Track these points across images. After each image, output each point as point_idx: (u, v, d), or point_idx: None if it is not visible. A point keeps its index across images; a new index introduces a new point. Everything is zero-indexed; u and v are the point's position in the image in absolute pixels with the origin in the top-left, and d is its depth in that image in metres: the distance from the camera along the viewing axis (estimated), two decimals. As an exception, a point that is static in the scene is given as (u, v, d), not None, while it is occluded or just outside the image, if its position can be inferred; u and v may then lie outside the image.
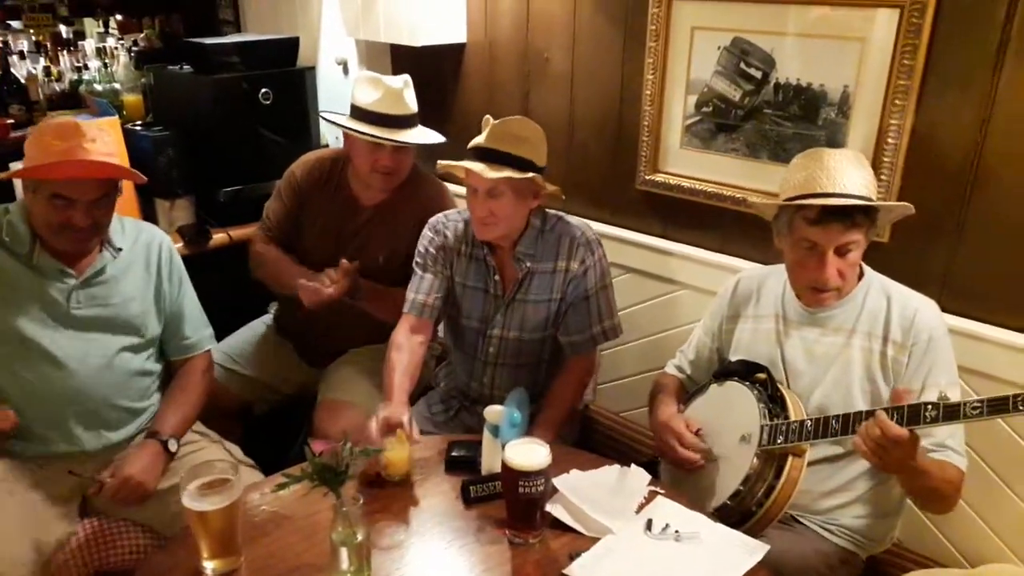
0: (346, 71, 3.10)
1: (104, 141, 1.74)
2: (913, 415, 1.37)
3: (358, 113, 2.13)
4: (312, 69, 2.87)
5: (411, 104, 2.17)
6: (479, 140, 1.86)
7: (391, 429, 1.64)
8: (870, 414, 1.43)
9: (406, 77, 2.19)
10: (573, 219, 2.01)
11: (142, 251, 1.92)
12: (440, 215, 2.07)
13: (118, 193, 1.82)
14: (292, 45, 2.86)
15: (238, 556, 1.36)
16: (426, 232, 2.04)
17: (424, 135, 2.19)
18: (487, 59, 2.67)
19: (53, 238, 1.76)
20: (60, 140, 1.69)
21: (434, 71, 2.82)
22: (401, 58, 2.91)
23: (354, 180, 2.25)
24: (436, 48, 2.67)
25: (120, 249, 1.87)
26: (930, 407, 1.36)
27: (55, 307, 1.78)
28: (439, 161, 1.97)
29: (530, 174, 1.82)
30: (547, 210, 2.00)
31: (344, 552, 1.28)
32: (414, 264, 2.05)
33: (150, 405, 1.93)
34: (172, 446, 1.83)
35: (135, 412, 1.89)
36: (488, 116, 1.91)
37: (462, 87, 2.79)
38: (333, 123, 2.17)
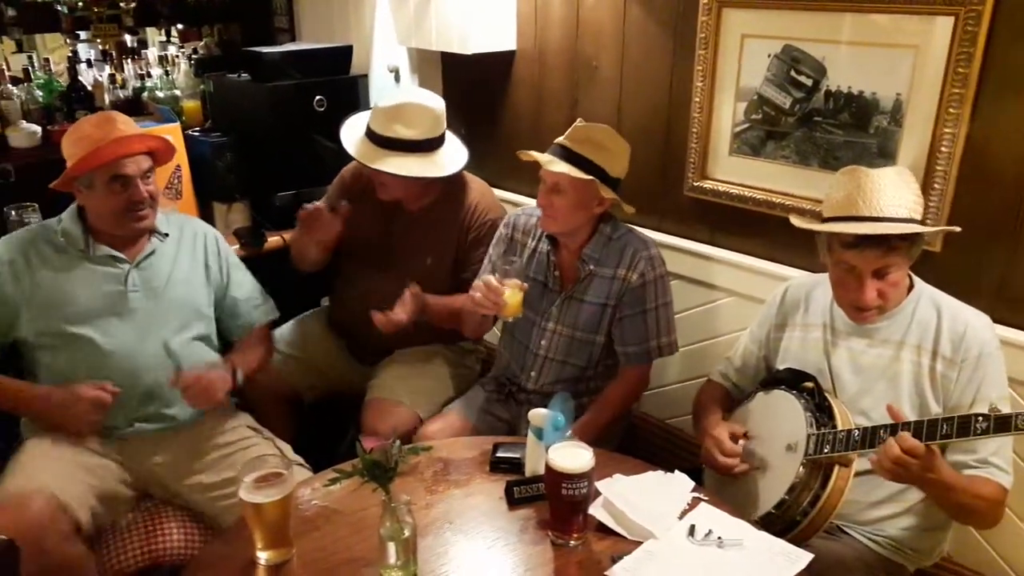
0: (397, 79, 3.16)
1: (128, 123, 1.93)
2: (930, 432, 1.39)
3: (366, 130, 2.20)
4: (365, 77, 2.94)
5: (400, 132, 2.12)
6: (561, 138, 1.96)
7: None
8: (919, 425, 1.42)
9: (425, 104, 2.17)
10: (643, 234, 2.06)
11: (189, 239, 2.07)
12: (517, 209, 2.20)
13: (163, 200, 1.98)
14: (345, 53, 2.93)
15: (290, 548, 1.41)
16: (500, 226, 2.19)
17: (401, 166, 2.12)
18: (537, 66, 2.70)
19: (118, 225, 1.91)
20: (97, 128, 1.86)
21: (484, 79, 2.86)
22: (452, 66, 2.96)
23: None
24: (486, 56, 2.70)
25: (167, 235, 2.01)
26: (944, 424, 1.38)
27: (113, 294, 1.91)
28: (520, 151, 2.01)
29: (588, 177, 1.87)
30: (618, 221, 2.06)
31: (392, 547, 1.31)
32: (487, 254, 2.20)
33: None
34: (239, 377, 1.97)
35: None
36: (580, 119, 2.01)
37: (511, 94, 2.82)
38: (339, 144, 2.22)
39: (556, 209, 1.94)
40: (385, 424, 2.09)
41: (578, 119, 2.01)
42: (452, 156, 2.23)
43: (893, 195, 1.53)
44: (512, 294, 1.89)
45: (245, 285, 2.15)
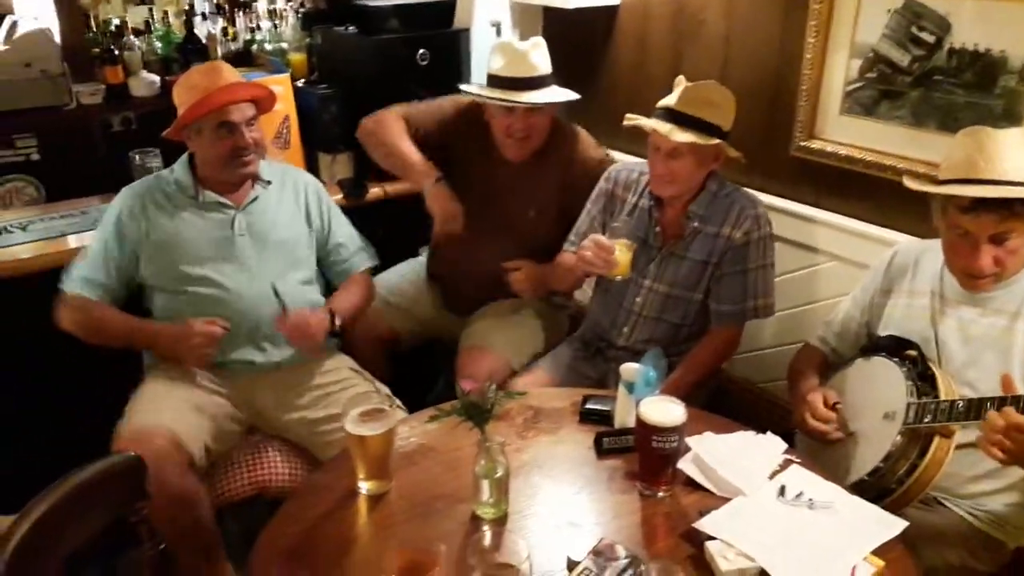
0: (499, 33, 3.16)
1: (233, 72, 2.02)
2: None
3: (490, 80, 2.20)
4: (467, 31, 2.95)
5: (539, 65, 2.18)
6: (669, 101, 1.92)
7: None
8: (1029, 399, 1.36)
9: (536, 39, 2.21)
10: (750, 192, 2.03)
11: (290, 186, 2.16)
12: (619, 164, 2.17)
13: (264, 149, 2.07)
14: (449, 8, 2.95)
15: (389, 480, 1.48)
16: (600, 181, 2.16)
17: (554, 94, 2.20)
18: (640, 20, 2.65)
19: (224, 170, 2.01)
20: (205, 77, 1.96)
21: (586, 33, 2.83)
22: (553, 20, 2.94)
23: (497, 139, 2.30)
24: (589, 10, 2.67)
25: (269, 182, 2.11)
26: None
27: (221, 237, 2.02)
28: (627, 116, 2.00)
29: (715, 140, 1.86)
30: (724, 178, 2.03)
31: (486, 484, 1.36)
32: (585, 209, 2.19)
33: None
34: (337, 321, 2.05)
35: None
36: (681, 77, 1.96)
37: (613, 49, 2.78)
38: (468, 92, 2.24)
39: (676, 174, 1.92)
40: (479, 370, 2.14)
41: (679, 77, 1.96)
42: (563, 89, 2.26)
43: (1018, 157, 1.45)
44: (622, 253, 1.89)
45: (345, 232, 2.23)
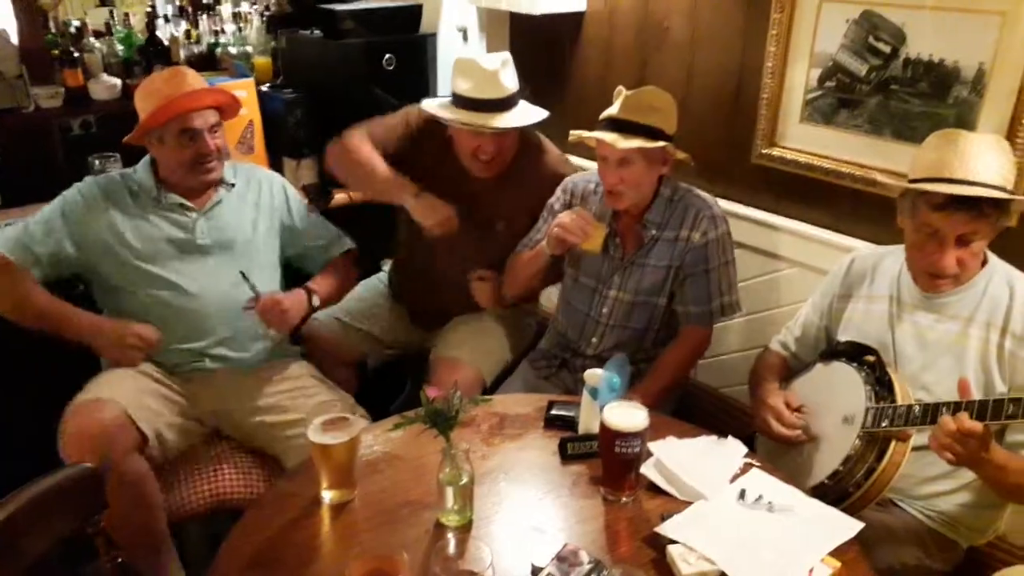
0: (466, 38, 3.17)
1: (197, 78, 2.00)
2: (995, 411, 1.36)
3: (456, 100, 2.13)
4: (433, 36, 2.96)
5: (508, 85, 2.12)
6: (611, 111, 1.92)
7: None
8: (984, 404, 1.39)
9: (504, 56, 2.16)
10: (702, 193, 2.05)
11: (255, 186, 2.15)
12: (575, 175, 2.17)
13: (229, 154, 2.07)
14: (415, 12, 2.95)
15: (353, 489, 1.47)
16: (557, 191, 2.17)
17: (524, 116, 2.14)
18: (606, 27, 2.68)
19: (187, 176, 1.99)
20: (167, 83, 1.95)
21: (552, 40, 2.85)
22: (520, 26, 2.95)
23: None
24: (555, 16, 2.69)
25: (233, 185, 2.10)
26: (1010, 404, 1.35)
27: (183, 240, 2.00)
28: (571, 131, 2.01)
29: (661, 143, 1.87)
30: (679, 182, 2.05)
31: (450, 492, 1.36)
32: (541, 217, 2.19)
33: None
34: (315, 301, 2.09)
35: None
36: (620, 87, 1.96)
37: (579, 56, 2.80)
38: (432, 115, 2.15)
39: (628, 183, 1.92)
40: (450, 380, 2.13)
41: (619, 87, 1.96)
42: (531, 106, 2.22)
43: (989, 160, 1.48)
44: (599, 227, 1.96)
45: (316, 225, 2.25)
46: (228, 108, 2.06)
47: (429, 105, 2.19)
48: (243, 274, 1.98)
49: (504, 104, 2.12)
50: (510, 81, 2.14)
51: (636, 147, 1.85)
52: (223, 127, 2.05)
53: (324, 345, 2.33)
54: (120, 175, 2.08)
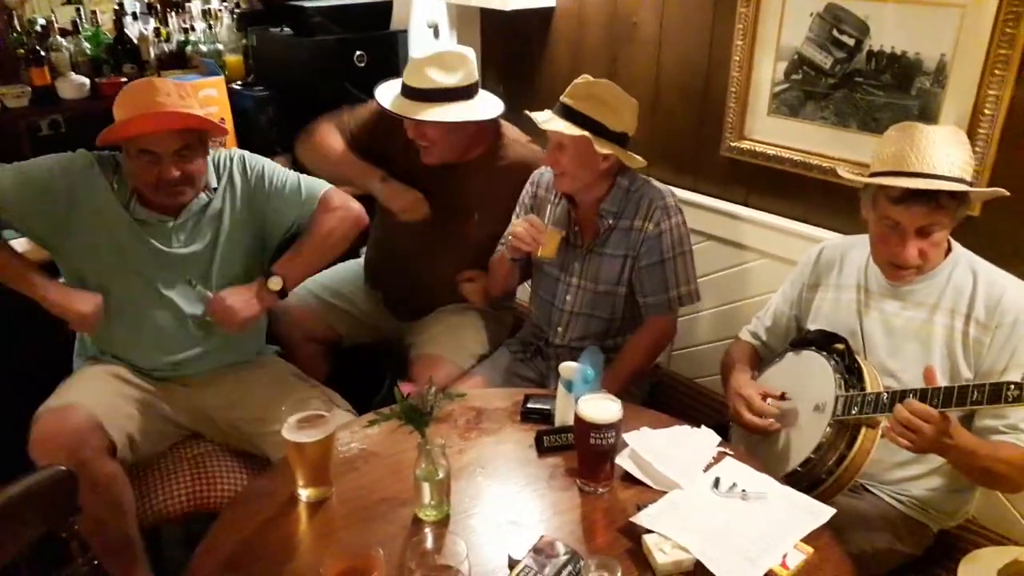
0: (436, 35, 3.16)
1: (181, 95, 1.82)
2: (960, 398, 1.39)
3: (401, 88, 2.16)
4: (404, 32, 2.95)
5: (437, 79, 2.09)
6: (563, 94, 1.94)
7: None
8: (950, 391, 1.41)
9: (459, 50, 2.17)
10: (658, 184, 2.06)
11: (224, 178, 2.01)
12: (543, 167, 2.18)
13: (210, 145, 1.94)
14: (386, 9, 2.94)
15: (330, 486, 1.47)
16: (527, 184, 2.20)
17: (446, 112, 2.10)
18: (575, 23, 2.69)
19: (153, 195, 1.88)
20: (135, 97, 1.80)
21: (522, 35, 2.85)
22: (491, 22, 2.95)
23: None
24: (525, 12, 2.70)
25: (215, 189, 1.99)
26: (975, 391, 1.37)
27: (158, 249, 1.92)
28: (525, 111, 2.02)
29: (581, 132, 1.87)
30: (636, 173, 2.06)
31: (427, 487, 1.37)
32: (514, 212, 2.20)
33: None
34: (273, 284, 1.97)
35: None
36: (585, 75, 1.97)
37: (549, 51, 2.81)
38: (376, 98, 2.19)
39: (562, 166, 1.96)
40: (435, 378, 2.12)
41: (583, 74, 1.98)
42: (490, 102, 2.23)
43: (947, 153, 1.50)
44: (551, 235, 1.98)
45: (288, 183, 2.06)
46: (203, 134, 1.89)
47: (379, 89, 2.21)
48: (190, 281, 1.93)
49: (430, 95, 2.11)
50: (440, 76, 2.11)
51: (557, 130, 1.88)
52: (200, 151, 1.88)
53: (295, 316, 2.31)
54: (111, 156, 1.94)
